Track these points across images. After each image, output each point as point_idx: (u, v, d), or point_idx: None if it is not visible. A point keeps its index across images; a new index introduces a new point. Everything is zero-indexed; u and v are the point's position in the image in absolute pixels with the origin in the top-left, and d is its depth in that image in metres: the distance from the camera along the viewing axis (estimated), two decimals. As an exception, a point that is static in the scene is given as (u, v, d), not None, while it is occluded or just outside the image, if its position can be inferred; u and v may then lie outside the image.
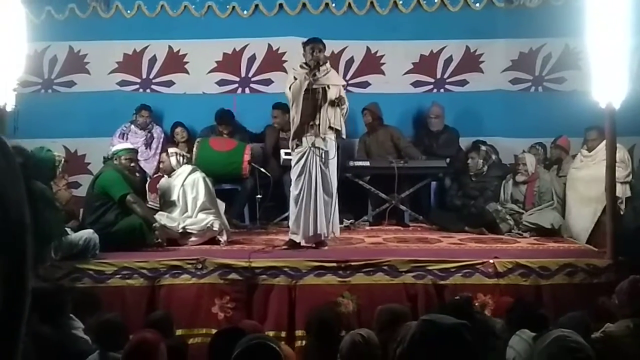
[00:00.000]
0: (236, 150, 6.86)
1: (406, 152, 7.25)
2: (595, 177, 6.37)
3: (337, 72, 6.12)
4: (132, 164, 5.98)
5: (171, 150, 6.34)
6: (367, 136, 7.52)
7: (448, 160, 7.18)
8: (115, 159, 5.87)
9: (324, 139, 5.52)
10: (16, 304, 0.93)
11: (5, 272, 0.92)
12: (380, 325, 3.76)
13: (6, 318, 0.92)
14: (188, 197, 5.99)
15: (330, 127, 5.52)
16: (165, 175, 6.31)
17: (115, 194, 5.58)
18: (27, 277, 0.94)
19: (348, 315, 4.83)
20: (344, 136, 5.76)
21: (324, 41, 5.73)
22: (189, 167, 6.18)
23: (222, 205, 6.29)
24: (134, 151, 6.17)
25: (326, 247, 5.65)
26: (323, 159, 5.55)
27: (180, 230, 5.83)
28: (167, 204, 6.09)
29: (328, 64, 5.67)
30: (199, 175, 6.11)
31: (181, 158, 6.21)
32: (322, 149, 5.52)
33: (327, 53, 7.61)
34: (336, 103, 5.48)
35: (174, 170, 6.15)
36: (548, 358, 2.32)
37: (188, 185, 6.02)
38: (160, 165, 6.52)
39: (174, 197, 6.02)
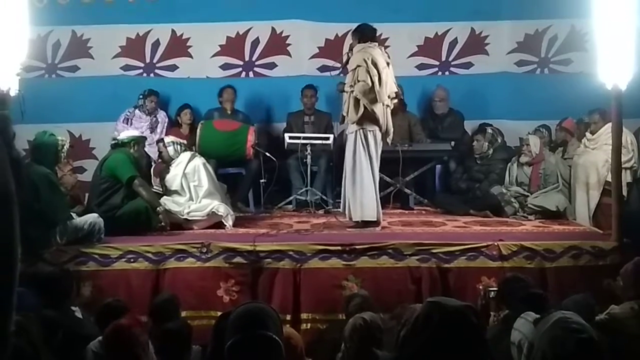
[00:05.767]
0: (240, 130, 6.82)
1: (416, 140, 7.21)
2: (594, 163, 6.38)
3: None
4: (141, 152, 6.01)
5: (167, 139, 6.29)
6: None
7: (453, 143, 7.15)
8: (128, 146, 5.86)
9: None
10: (5, 271, 0.91)
11: None
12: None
13: None
14: (190, 184, 5.98)
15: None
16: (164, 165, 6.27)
17: (124, 175, 5.60)
18: (14, 244, 0.92)
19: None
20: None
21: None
22: (187, 155, 6.15)
23: (223, 187, 6.30)
24: (144, 138, 6.21)
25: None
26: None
27: (185, 216, 5.84)
28: (169, 193, 6.08)
29: (355, 50, 5.66)
30: (199, 162, 6.10)
31: (179, 146, 6.18)
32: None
33: (331, 36, 7.73)
34: (338, 89, 5.94)
35: (173, 159, 6.13)
36: (550, 341, 2.31)
37: (189, 173, 6.01)
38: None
39: (177, 187, 6.01)
